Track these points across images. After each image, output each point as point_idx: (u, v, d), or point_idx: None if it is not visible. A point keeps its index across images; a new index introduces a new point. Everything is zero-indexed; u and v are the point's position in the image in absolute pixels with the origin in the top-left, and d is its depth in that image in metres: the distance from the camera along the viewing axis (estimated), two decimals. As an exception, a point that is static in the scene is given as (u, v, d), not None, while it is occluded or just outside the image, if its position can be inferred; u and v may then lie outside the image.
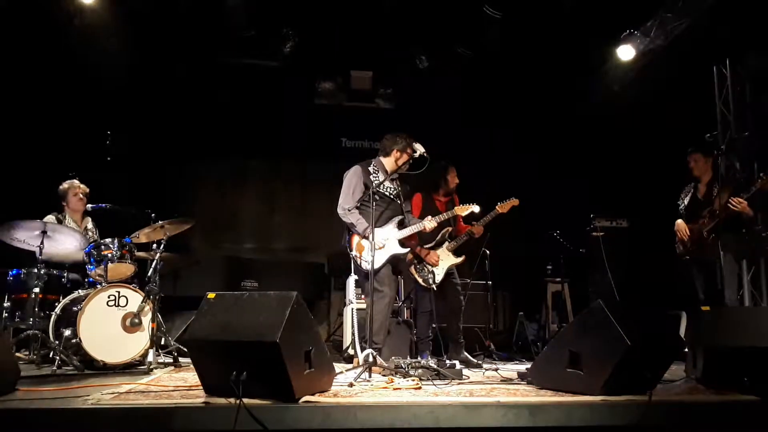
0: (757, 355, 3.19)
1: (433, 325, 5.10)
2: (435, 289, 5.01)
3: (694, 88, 6.20)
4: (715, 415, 2.92)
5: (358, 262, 4.48)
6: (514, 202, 5.09)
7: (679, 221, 5.09)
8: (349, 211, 4.46)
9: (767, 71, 5.57)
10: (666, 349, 3.31)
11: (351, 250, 4.50)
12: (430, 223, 4.61)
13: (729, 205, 4.54)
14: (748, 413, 2.91)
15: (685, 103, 6.29)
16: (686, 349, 3.78)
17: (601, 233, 6.57)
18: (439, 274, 5.05)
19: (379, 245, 4.40)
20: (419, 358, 3.94)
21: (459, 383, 3.53)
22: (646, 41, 6.03)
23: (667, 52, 6.01)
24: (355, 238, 4.50)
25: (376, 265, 4.36)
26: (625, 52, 6.18)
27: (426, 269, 5.04)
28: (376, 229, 4.35)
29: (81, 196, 5.20)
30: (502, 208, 5.09)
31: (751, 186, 4.57)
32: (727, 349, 3.29)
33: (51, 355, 4.15)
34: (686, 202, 5.15)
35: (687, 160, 5.13)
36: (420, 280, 5.02)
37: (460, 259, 5.14)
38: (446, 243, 5.13)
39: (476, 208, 4.83)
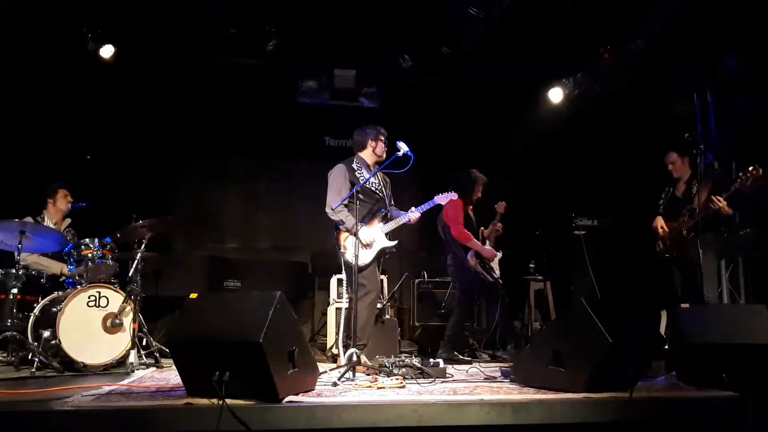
0: (734, 351, 3.24)
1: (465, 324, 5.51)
2: (501, 283, 5.42)
3: (674, 87, 6.27)
4: (694, 411, 2.97)
5: (347, 259, 4.46)
6: (503, 204, 5.72)
7: (658, 218, 5.13)
8: (337, 209, 4.47)
9: (745, 72, 5.65)
10: (647, 347, 3.35)
11: (339, 248, 4.52)
12: (414, 215, 4.65)
13: (709, 204, 4.60)
14: (726, 409, 2.95)
15: (665, 103, 6.36)
16: (666, 347, 3.83)
17: (583, 232, 6.63)
18: (496, 268, 5.45)
19: (368, 241, 4.43)
20: (431, 361, 3.91)
21: (443, 382, 3.54)
22: (627, 41, 6.09)
23: (647, 52, 6.07)
24: (343, 236, 4.51)
25: (365, 261, 4.42)
26: (606, 52, 6.23)
27: (487, 266, 5.37)
28: (363, 227, 4.39)
29: (70, 197, 5.19)
30: (500, 208, 5.72)
31: (731, 185, 4.61)
32: (706, 346, 3.34)
33: (29, 357, 4.08)
34: (665, 201, 5.19)
35: (664, 162, 5.18)
36: (488, 277, 5.32)
37: (500, 254, 5.58)
38: (487, 242, 5.51)
39: (454, 196, 4.92)
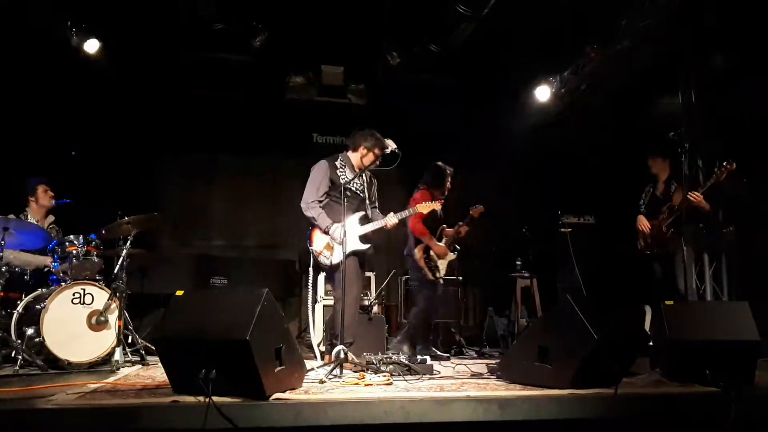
0: (717, 348, 3.28)
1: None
2: (441, 282, 5.25)
3: (660, 87, 6.33)
4: (678, 407, 3.00)
5: (317, 258, 4.39)
6: (481, 208, 5.44)
7: (641, 217, 5.20)
8: (311, 205, 4.39)
9: (730, 72, 5.71)
10: (632, 344, 3.38)
11: (310, 245, 4.42)
12: (392, 219, 4.58)
13: (688, 198, 4.66)
14: (709, 404, 2.99)
15: (651, 102, 6.42)
16: (651, 343, 3.87)
17: (569, 230, 6.67)
18: (442, 268, 5.26)
19: (338, 240, 4.34)
20: (419, 357, 3.94)
21: (430, 378, 3.55)
22: (613, 41, 6.13)
23: (633, 52, 6.12)
24: (315, 233, 4.42)
25: (335, 261, 4.34)
26: (592, 51, 6.27)
27: (432, 263, 5.19)
28: (336, 225, 4.31)
29: (51, 193, 5.11)
30: (474, 212, 5.46)
31: (707, 181, 4.69)
32: (689, 342, 3.38)
33: (13, 355, 4.04)
34: (646, 200, 5.28)
35: (647, 164, 5.27)
36: (428, 273, 5.16)
37: (454, 255, 5.40)
38: (443, 239, 5.33)
39: (437, 205, 4.81)
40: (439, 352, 5.39)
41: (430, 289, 5.22)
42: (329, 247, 4.39)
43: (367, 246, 4.54)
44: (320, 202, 4.41)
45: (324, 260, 4.37)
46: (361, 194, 4.58)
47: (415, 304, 5.36)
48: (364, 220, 4.54)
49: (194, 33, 6.35)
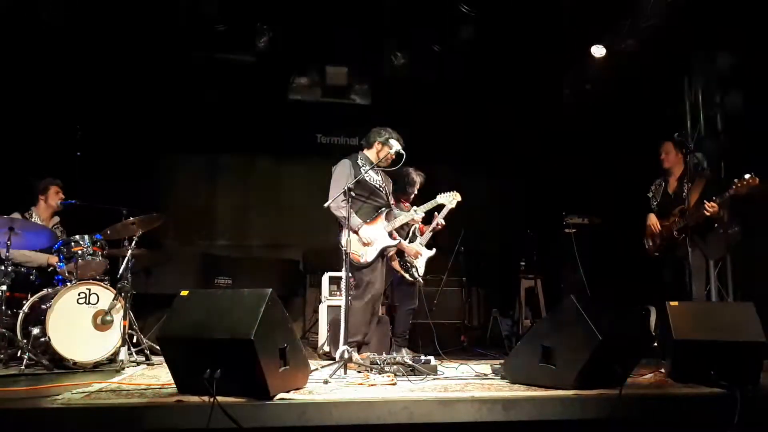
0: (723, 348, 3.28)
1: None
2: (422, 282, 5.17)
3: (665, 87, 6.31)
4: (683, 408, 2.99)
5: (351, 258, 4.31)
6: (457, 196, 5.18)
7: (652, 215, 5.08)
8: (341, 204, 4.27)
9: (735, 71, 5.69)
10: (636, 344, 3.37)
11: (343, 246, 4.34)
12: (418, 215, 4.66)
13: (703, 210, 4.57)
14: (714, 405, 2.99)
15: (656, 102, 6.40)
16: (656, 344, 3.86)
17: (573, 230, 6.66)
18: (421, 267, 5.19)
19: (369, 240, 4.43)
20: (395, 355, 3.95)
21: (434, 379, 3.55)
22: (618, 40, 6.12)
23: (638, 51, 6.10)
24: (346, 233, 4.29)
25: (368, 259, 4.44)
26: (598, 51, 6.27)
27: (408, 263, 5.13)
28: (365, 225, 4.41)
29: (62, 194, 5.14)
30: (450, 203, 5.28)
31: (725, 192, 4.52)
32: (694, 343, 3.37)
33: (19, 355, 4.06)
34: (657, 197, 5.13)
35: (658, 151, 5.09)
36: (407, 276, 5.11)
37: (433, 252, 5.29)
38: (418, 238, 5.23)
39: (458, 196, 4.92)
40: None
41: (407, 287, 5.19)
42: (363, 245, 4.45)
43: (396, 242, 4.62)
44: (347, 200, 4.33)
45: (360, 259, 4.43)
46: (383, 191, 4.68)
47: (398, 306, 5.28)
48: (390, 216, 4.62)
49: (198, 34, 6.36)
